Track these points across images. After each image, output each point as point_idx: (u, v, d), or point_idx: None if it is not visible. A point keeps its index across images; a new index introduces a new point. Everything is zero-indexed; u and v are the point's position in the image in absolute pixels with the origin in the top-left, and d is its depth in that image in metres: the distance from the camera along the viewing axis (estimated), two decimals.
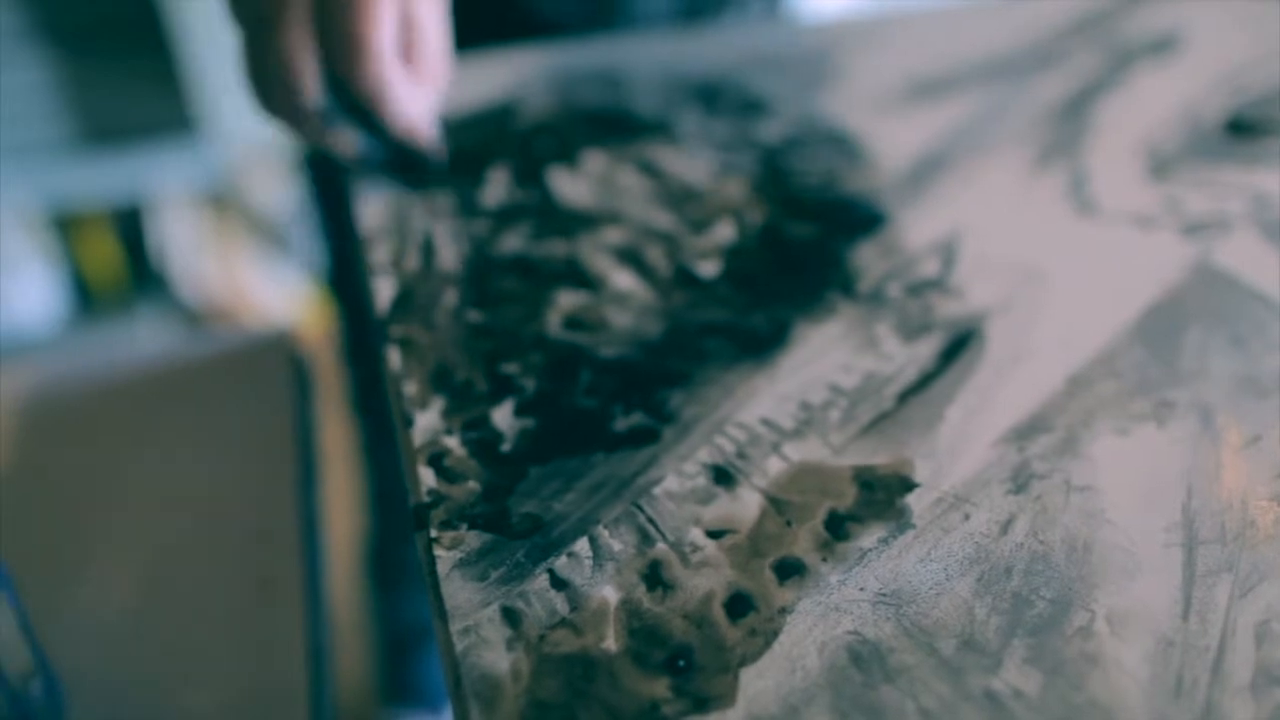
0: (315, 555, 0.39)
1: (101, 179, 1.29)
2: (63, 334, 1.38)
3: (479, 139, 0.43)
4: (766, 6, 0.65)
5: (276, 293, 1.48)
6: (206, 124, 1.30)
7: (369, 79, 0.34)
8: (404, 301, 0.33)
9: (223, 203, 1.46)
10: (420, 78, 0.36)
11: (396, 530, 0.81)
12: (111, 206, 1.38)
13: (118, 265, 1.43)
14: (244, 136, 1.35)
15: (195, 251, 1.45)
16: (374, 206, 0.38)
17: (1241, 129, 0.42)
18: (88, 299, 1.43)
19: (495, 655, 0.22)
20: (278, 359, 0.48)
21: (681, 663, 0.21)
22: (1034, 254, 0.35)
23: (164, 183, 1.35)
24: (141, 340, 1.37)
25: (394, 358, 0.30)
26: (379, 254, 0.35)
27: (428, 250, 0.35)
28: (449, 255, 0.35)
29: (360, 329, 0.71)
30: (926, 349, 0.30)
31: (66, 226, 1.39)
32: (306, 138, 0.37)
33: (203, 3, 1.23)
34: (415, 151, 0.37)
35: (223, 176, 1.36)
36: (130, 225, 1.41)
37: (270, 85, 0.35)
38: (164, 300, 1.45)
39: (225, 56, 1.27)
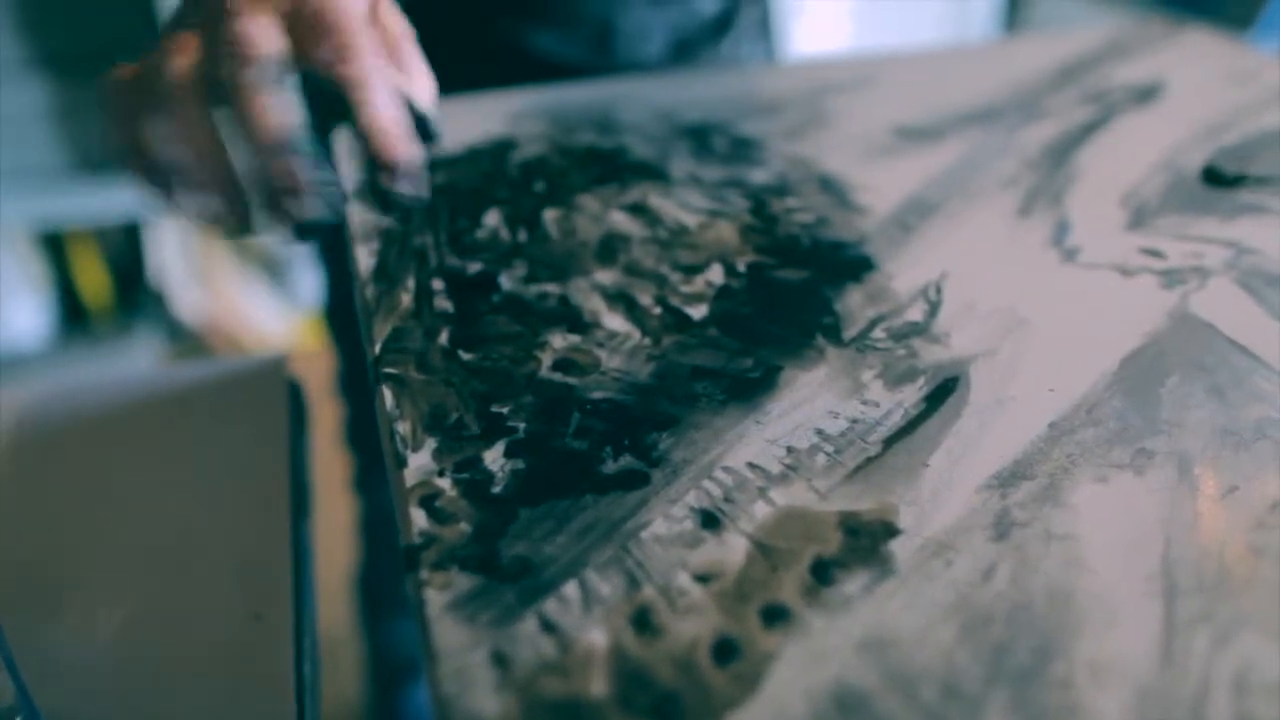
0: (306, 588, 0.39)
1: (98, 203, 1.29)
2: (56, 355, 1.38)
3: (474, 179, 0.44)
4: (758, 41, 0.66)
5: (272, 317, 1.49)
6: None
7: (352, 63, 0.29)
8: (397, 340, 0.33)
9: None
10: (404, 72, 0.32)
11: (388, 562, 0.81)
12: (108, 230, 1.39)
13: (113, 287, 1.43)
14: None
15: (191, 275, 1.45)
16: (370, 245, 0.39)
17: (1218, 179, 0.43)
18: (83, 321, 1.43)
19: (484, 698, 0.22)
20: (272, 385, 0.48)
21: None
22: (1018, 300, 0.35)
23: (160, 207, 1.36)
24: (137, 361, 1.37)
25: (387, 397, 0.30)
26: (374, 292, 0.36)
27: (422, 290, 0.36)
28: (443, 295, 0.35)
29: (356, 363, 0.71)
30: (911, 395, 0.31)
31: (62, 249, 1.39)
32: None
33: None
34: (387, 172, 0.30)
35: None
36: (127, 248, 1.42)
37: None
38: (160, 322, 1.45)
39: None
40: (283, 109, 0.29)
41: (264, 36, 0.29)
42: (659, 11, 0.60)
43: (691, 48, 0.62)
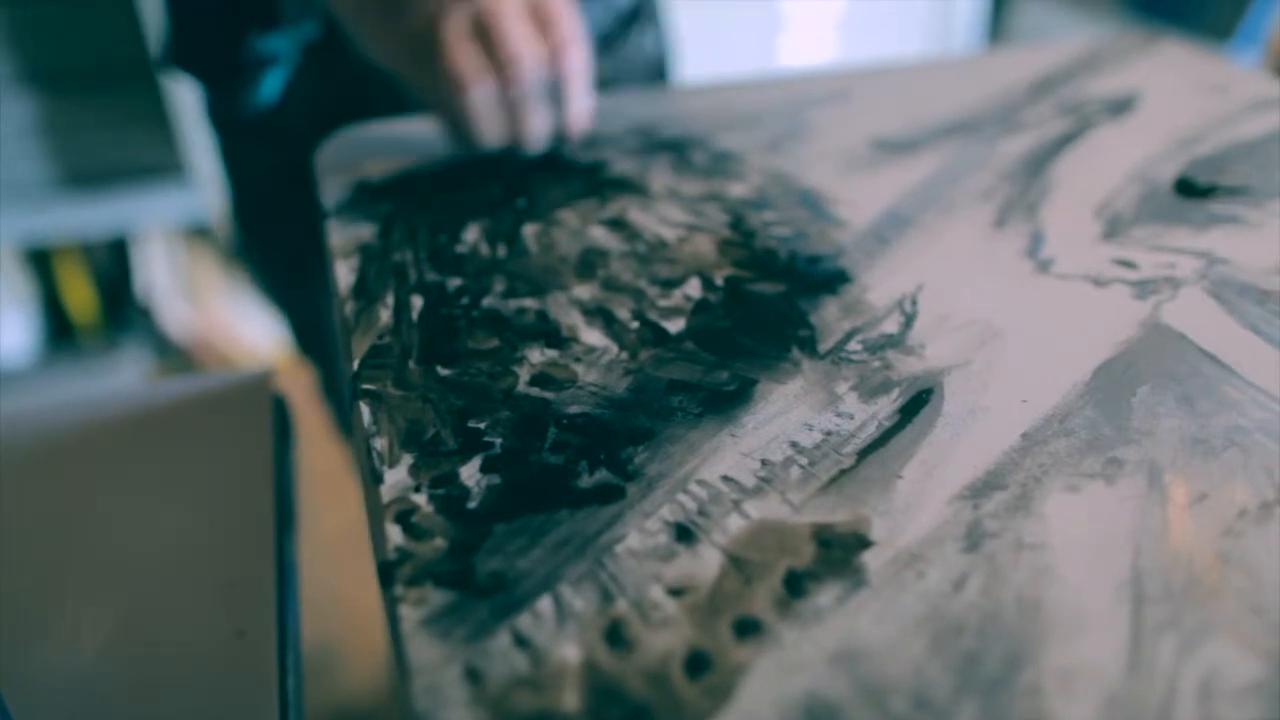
0: (290, 604, 0.39)
1: (89, 219, 1.29)
2: (42, 372, 1.38)
3: (455, 195, 0.44)
4: (654, 29, 0.67)
5: (262, 332, 1.48)
6: (194, 166, 1.31)
7: (576, 61, 0.43)
8: (375, 356, 0.33)
9: (208, 242, 1.46)
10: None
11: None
12: (94, 246, 1.39)
13: (99, 303, 1.43)
14: None
15: (180, 290, 1.45)
16: (350, 261, 0.39)
17: (1190, 190, 0.44)
18: (70, 337, 1.42)
19: (457, 713, 0.22)
20: (257, 400, 0.48)
21: None
22: (992, 312, 0.36)
23: (151, 223, 1.36)
24: (124, 378, 1.37)
25: (364, 413, 0.31)
26: (353, 308, 0.36)
27: (401, 305, 0.36)
28: (422, 311, 0.36)
29: (332, 372, 0.72)
30: (886, 406, 0.31)
31: (48, 265, 1.39)
32: (512, 124, 0.44)
33: None
34: (564, 143, 0.46)
35: (208, 216, 1.37)
36: (114, 264, 1.42)
37: (500, 69, 0.42)
38: (148, 339, 1.44)
39: None
40: (544, 117, 0.44)
41: (532, 48, 0.42)
42: (585, 8, 0.60)
43: (611, 40, 0.63)
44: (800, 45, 1.61)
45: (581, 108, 0.45)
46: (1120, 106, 0.53)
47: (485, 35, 0.41)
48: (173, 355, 1.44)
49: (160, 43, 0.61)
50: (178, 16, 0.59)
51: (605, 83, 0.62)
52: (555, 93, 0.44)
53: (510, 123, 0.44)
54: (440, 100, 0.43)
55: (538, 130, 0.44)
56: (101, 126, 1.28)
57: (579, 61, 0.43)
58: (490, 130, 0.43)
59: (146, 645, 0.36)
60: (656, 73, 0.68)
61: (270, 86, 0.57)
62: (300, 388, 0.53)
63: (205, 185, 1.32)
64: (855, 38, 1.66)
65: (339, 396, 0.73)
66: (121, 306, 1.43)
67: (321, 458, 0.83)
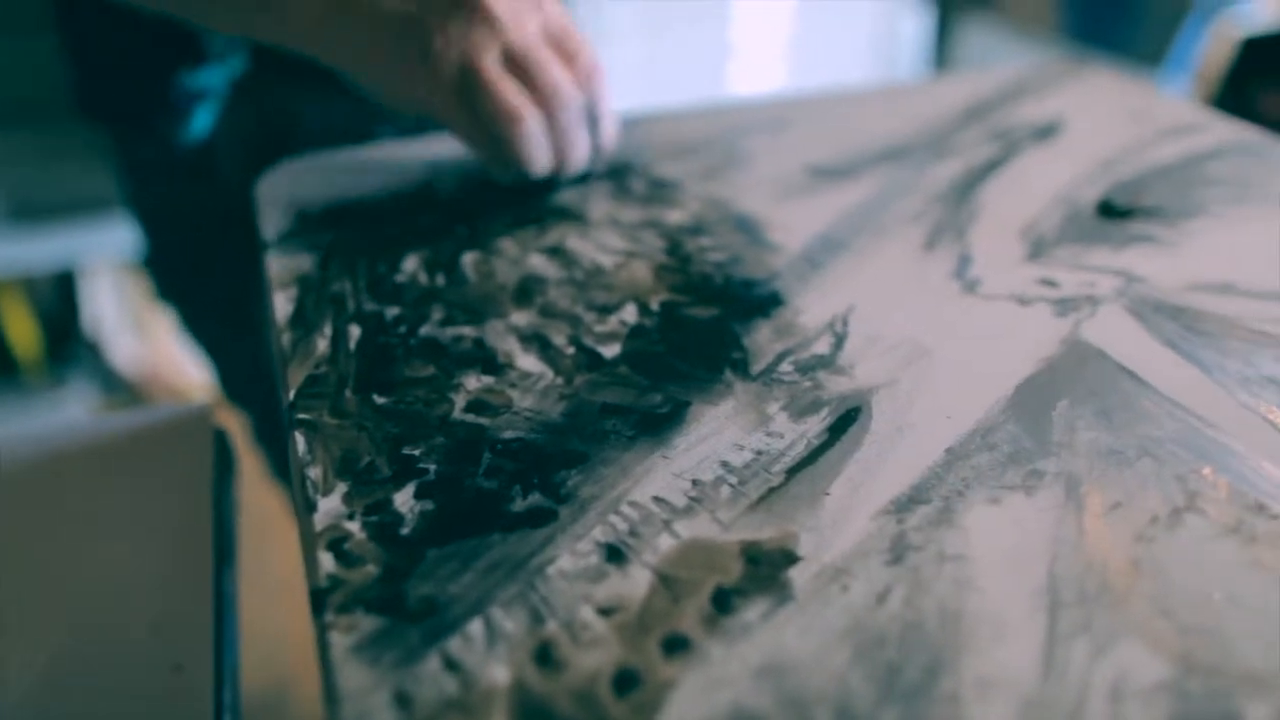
0: (228, 638, 0.39)
1: (33, 253, 1.27)
2: None
3: (395, 225, 0.44)
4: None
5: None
6: None
7: (601, 81, 0.46)
8: (312, 386, 0.33)
9: None
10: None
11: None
12: (37, 281, 1.36)
13: (45, 338, 1.40)
14: None
15: (128, 324, 1.43)
16: (288, 292, 0.39)
17: (1111, 212, 0.45)
18: (13, 374, 1.40)
19: None
20: (198, 434, 0.48)
21: None
22: (920, 332, 0.37)
23: (96, 256, 1.34)
24: (71, 413, 1.34)
25: (299, 443, 0.31)
26: (290, 339, 0.36)
27: (338, 335, 0.36)
28: (359, 340, 0.36)
29: (267, 414, 0.71)
30: (815, 425, 0.32)
31: None
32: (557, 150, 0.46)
33: None
34: (596, 163, 0.49)
35: None
36: (58, 299, 1.39)
37: (545, 100, 0.44)
38: (96, 374, 1.42)
39: None
40: (586, 141, 0.47)
41: (569, 81, 0.45)
42: None
43: None
44: (748, 72, 1.64)
45: (611, 128, 0.48)
46: (1046, 132, 0.55)
47: (522, 69, 0.44)
48: (121, 391, 1.42)
49: (68, 89, 0.60)
50: (85, 61, 0.59)
51: None
52: (589, 116, 0.47)
53: (558, 149, 0.46)
54: (487, 136, 0.44)
55: (582, 153, 0.47)
56: (45, 159, 1.26)
57: (604, 85, 0.46)
58: (540, 158, 0.45)
59: (80, 682, 0.36)
60: None
61: (200, 122, 0.57)
62: (228, 423, 0.53)
63: None
64: (802, 65, 1.69)
65: (269, 442, 0.73)
66: (67, 342, 1.41)
67: (270, 498, 0.82)
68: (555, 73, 0.44)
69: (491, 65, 0.43)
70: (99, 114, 0.61)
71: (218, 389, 0.74)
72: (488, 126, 0.44)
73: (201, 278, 0.65)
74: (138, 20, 0.51)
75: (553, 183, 0.48)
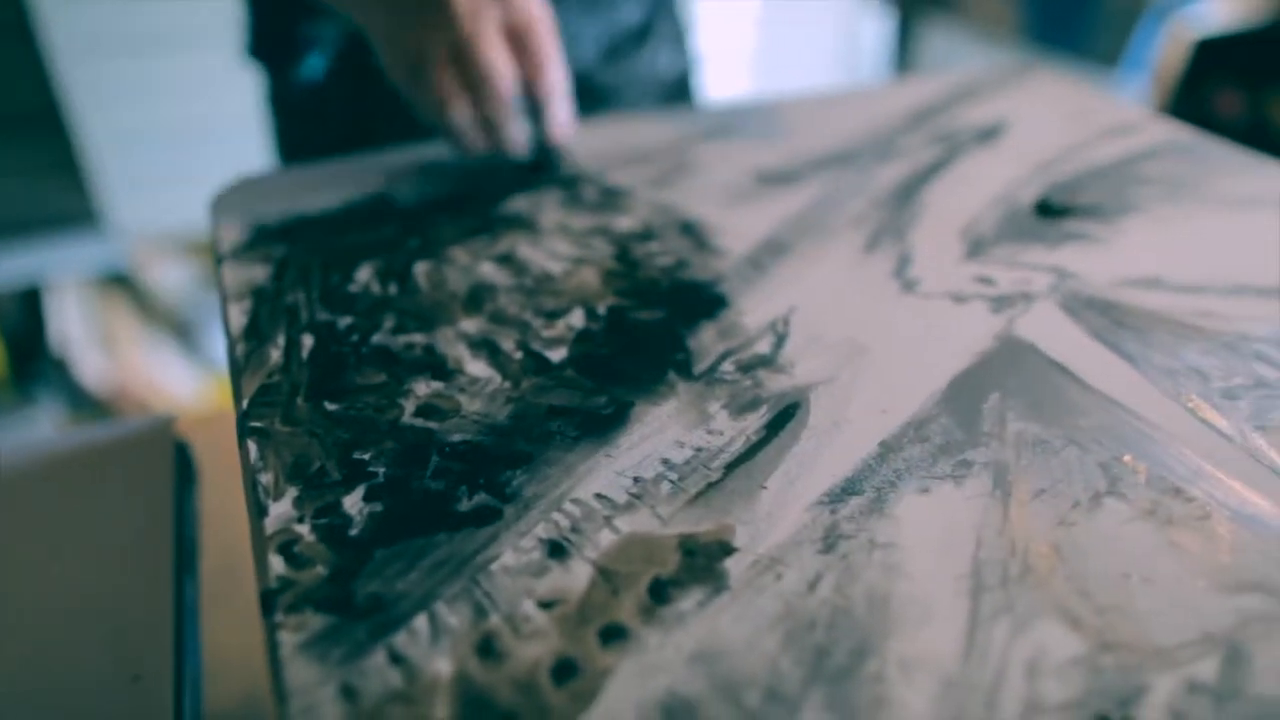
0: (188, 648, 0.39)
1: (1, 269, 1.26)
2: None
3: (348, 236, 0.45)
4: (675, 53, 0.73)
5: (182, 379, 1.46)
6: (106, 214, 1.29)
7: (553, 79, 0.49)
8: (264, 395, 0.34)
9: (123, 291, 1.44)
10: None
11: None
12: (6, 296, 1.35)
13: (10, 355, 1.39)
14: (144, 226, 1.34)
15: (95, 339, 1.42)
16: (242, 304, 0.40)
17: (1048, 211, 0.47)
18: None
19: None
20: (159, 446, 0.48)
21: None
22: (859, 330, 0.38)
23: (64, 272, 1.34)
24: (38, 430, 1.33)
25: (252, 450, 0.31)
26: (244, 349, 0.37)
27: (291, 345, 0.37)
28: (312, 349, 0.37)
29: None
30: (754, 422, 0.33)
31: None
32: (491, 140, 0.50)
33: (103, 94, 1.24)
34: (552, 151, 0.51)
35: (123, 265, 1.35)
36: (23, 316, 1.38)
37: (475, 88, 0.47)
38: (63, 390, 1.41)
39: (125, 147, 1.27)
40: (522, 128, 0.50)
41: (506, 69, 0.47)
42: (589, 18, 0.66)
43: (618, 54, 0.69)
44: (712, 79, 1.65)
45: (562, 120, 0.51)
46: (989, 134, 0.56)
47: (462, 58, 0.47)
48: (88, 407, 1.41)
49: (243, 36, 0.69)
50: (250, 11, 0.67)
51: (609, 95, 0.68)
52: (530, 107, 0.50)
53: (490, 135, 0.49)
54: (432, 116, 0.49)
55: (516, 140, 0.50)
56: (9, 175, 1.26)
57: (555, 78, 0.49)
58: (474, 142, 0.49)
59: (39, 692, 0.36)
60: (672, 90, 0.75)
61: (313, 67, 0.64)
62: (204, 435, 0.53)
63: (119, 234, 1.30)
64: (766, 71, 1.71)
65: None
66: (34, 360, 1.40)
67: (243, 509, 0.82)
68: (486, 64, 0.47)
69: (435, 54, 0.47)
70: (253, 54, 0.68)
71: None
72: (429, 109, 0.48)
73: None
74: None
75: (506, 163, 0.52)
